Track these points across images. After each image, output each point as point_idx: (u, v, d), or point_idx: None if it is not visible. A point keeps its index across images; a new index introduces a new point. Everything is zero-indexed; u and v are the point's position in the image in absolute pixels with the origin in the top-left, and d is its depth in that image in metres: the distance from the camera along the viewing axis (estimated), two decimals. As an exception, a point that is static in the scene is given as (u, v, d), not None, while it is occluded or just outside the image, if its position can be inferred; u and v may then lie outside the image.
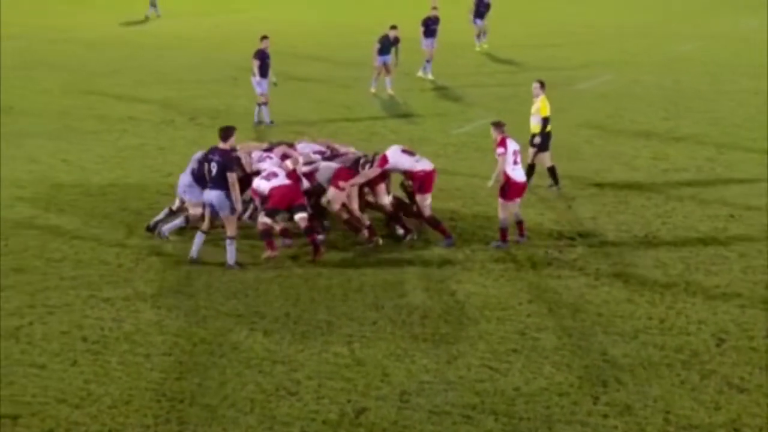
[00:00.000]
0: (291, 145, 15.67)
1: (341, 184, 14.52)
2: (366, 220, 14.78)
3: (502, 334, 11.73)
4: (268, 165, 14.74)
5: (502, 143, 14.45)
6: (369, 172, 14.68)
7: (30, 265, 13.55)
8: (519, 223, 14.92)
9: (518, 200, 14.80)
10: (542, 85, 17.70)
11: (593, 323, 12.07)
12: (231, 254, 13.66)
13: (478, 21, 33.66)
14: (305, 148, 15.74)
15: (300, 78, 27.68)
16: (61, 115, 23.16)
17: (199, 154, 14.66)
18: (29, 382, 10.20)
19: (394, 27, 25.87)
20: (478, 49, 33.41)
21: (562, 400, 10.19)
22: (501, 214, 14.56)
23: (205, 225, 13.90)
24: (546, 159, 17.64)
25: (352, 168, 14.87)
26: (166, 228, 14.61)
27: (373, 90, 26.18)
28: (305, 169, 14.95)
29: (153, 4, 41.28)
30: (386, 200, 15.05)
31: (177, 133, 21.79)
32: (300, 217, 14.12)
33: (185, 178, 14.63)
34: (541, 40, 36.12)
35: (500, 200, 14.53)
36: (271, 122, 22.43)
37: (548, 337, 11.65)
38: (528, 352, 11.29)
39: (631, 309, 12.53)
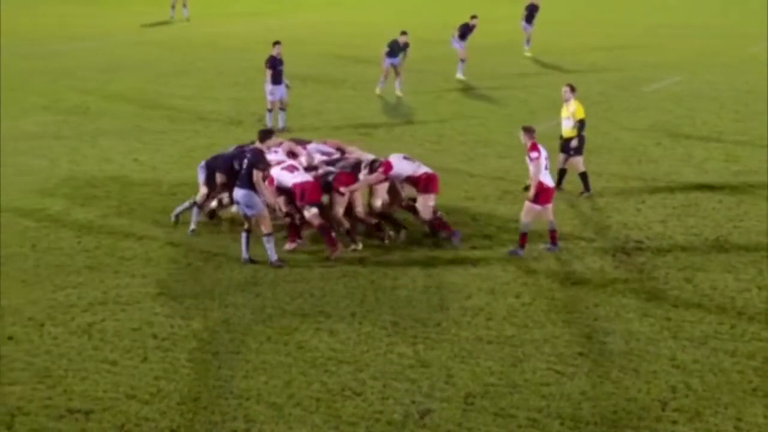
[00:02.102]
0: (302, 143, 15.78)
1: (342, 189, 14.56)
2: (372, 219, 14.80)
3: (568, 338, 11.63)
4: (277, 157, 14.86)
5: (535, 147, 14.27)
6: (372, 179, 14.70)
7: (102, 263, 13.84)
8: (552, 232, 14.61)
9: (549, 206, 14.49)
10: (572, 88, 17.44)
11: (662, 328, 11.89)
12: (270, 252, 13.75)
13: (528, 26, 33.29)
14: (315, 148, 15.76)
15: (367, 80, 27.79)
16: (133, 116, 23.60)
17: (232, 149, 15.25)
18: (101, 377, 10.42)
19: (404, 33, 26.28)
20: (526, 54, 33.10)
21: (629, 405, 10.06)
22: (524, 218, 14.30)
23: (247, 224, 14.03)
24: (579, 164, 17.29)
25: (352, 172, 14.83)
26: (175, 212, 15.23)
27: (378, 91, 26.25)
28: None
29: (183, 5, 41.54)
30: (379, 203, 14.96)
31: (246, 133, 22.00)
32: (313, 213, 14.19)
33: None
34: (611, 42, 35.72)
35: (528, 204, 14.27)
36: (284, 128, 22.07)
37: (615, 341, 11.52)
38: (595, 356, 11.17)
39: (701, 314, 12.31)
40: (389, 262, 14.06)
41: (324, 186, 14.64)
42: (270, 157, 14.72)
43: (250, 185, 13.66)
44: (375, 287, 13.16)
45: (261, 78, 28.61)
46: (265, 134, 14.38)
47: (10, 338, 11.28)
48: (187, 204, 15.37)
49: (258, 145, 14.17)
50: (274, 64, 22.19)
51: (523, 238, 14.32)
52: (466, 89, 27.76)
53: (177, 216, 15.38)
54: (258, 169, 13.68)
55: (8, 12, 43.35)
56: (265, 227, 13.79)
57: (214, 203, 15.55)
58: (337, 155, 15.74)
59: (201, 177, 15.24)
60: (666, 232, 15.48)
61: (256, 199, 13.71)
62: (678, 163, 19.63)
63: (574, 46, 34.40)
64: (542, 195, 14.28)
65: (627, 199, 17.20)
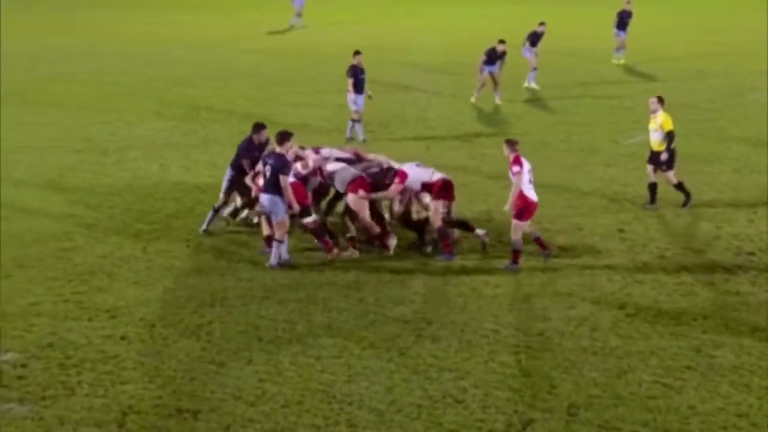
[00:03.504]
0: (316, 149, 15.70)
1: (361, 193, 14.50)
2: (377, 228, 14.65)
3: (675, 350, 11.38)
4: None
5: (517, 161, 13.92)
6: (391, 192, 14.61)
7: (209, 266, 14.16)
8: (537, 240, 14.34)
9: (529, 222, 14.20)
10: (660, 99, 16.90)
11: (774, 343, 11.53)
12: (275, 256, 13.85)
13: (621, 33, 32.67)
14: (329, 152, 15.64)
15: (468, 88, 27.77)
16: (242, 123, 24.01)
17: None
18: (209, 378, 10.67)
19: (502, 41, 26.11)
20: (614, 62, 32.48)
21: (740, 421, 9.78)
22: (515, 236, 13.98)
23: (268, 230, 14.14)
24: (671, 177, 16.76)
25: (378, 179, 14.72)
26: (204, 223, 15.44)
27: (473, 100, 26.02)
28: (327, 166, 15.03)
29: (299, 15, 42.22)
30: (397, 207, 14.83)
31: (347, 141, 22.25)
32: (308, 221, 14.23)
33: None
34: (719, 49, 34.82)
35: (515, 222, 13.95)
36: (364, 140, 22.00)
37: (725, 355, 11.21)
38: (704, 369, 10.90)
39: (816, 329, 11.89)
40: (491, 270, 14.00)
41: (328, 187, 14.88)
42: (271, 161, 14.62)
43: (275, 190, 13.75)
44: (477, 295, 13.13)
45: (365, 86, 28.92)
46: (282, 136, 14.21)
47: (122, 338, 11.65)
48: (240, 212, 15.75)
49: (278, 149, 14.07)
50: (356, 73, 22.28)
51: (516, 255, 13.98)
52: (570, 97, 27.44)
53: (246, 219, 15.72)
54: (283, 173, 13.73)
55: (129, 20, 44.96)
56: (279, 234, 13.89)
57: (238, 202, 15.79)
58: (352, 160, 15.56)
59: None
60: (779, 243, 15.01)
61: (281, 206, 13.80)
62: (792, 172, 19.01)
63: (682, 53, 33.64)
64: (527, 210, 13.98)
65: (738, 210, 16.73)
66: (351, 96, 22.27)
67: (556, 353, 11.32)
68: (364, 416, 9.91)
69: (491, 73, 25.99)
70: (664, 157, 16.61)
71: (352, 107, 22.34)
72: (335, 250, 14.35)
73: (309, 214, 14.33)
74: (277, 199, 13.81)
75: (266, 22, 43.87)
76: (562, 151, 21.32)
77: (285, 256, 14.04)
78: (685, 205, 16.74)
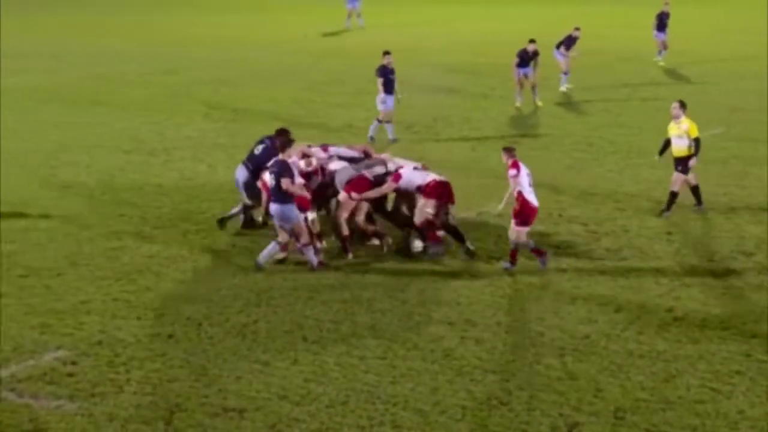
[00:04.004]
0: (324, 148, 15.64)
1: (354, 195, 14.46)
2: (347, 231, 14.58)
3: (724, 355, 11.23)
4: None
5: (515, 165, 13.90)
6: (384, 188, 14.64)
7: (253, 267, 14.24)
8: (532, 250, 14.11)
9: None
10: (682, 104, 16.50)
11: (826, 348, 11.34)
12: (311, 259, 13.85)
13: (660, 35, 32.28)
14: (336, 150, 15.61)
15: (507, 88, 27.70)
16: (286, 123, 24.04)
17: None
18: (254, 377, 10.75)
19: (532, 41, 25.84)
20: (660, 62, 32.11)
21: (789, 428, 9.64)
22: (513, 237, 13.89)
23: (281, 237, 14.01)
24: (690, 179, 16.38)
25: (381, 180, 14.70)
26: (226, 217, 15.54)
27: (518, 104, 25.80)
28: (329, 165, 14.98)
29: (357, 15, 42.43)
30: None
31: (393, 142, 22.28)
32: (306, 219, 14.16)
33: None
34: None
35: (516, 227, 13.83)
36: (394, 140, 22.02)
37: (775, 360, 11.05)
38: (753, 374, 10.74)
39: None
40: (535, 272, 13.94)
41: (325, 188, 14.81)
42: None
43: (282, 199, 13.71)
44: (521, 297, 13.07)
45: (410, 87, 28.95)
46: (285, 143, 14.08)
47: (170, 336, 11.79)
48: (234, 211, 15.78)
49: (280, 156, 14.04)
50: (386, 74, 22.25)
51: (514, 254, 13.91)
52: (617, 98, 27.21)
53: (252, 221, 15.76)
54: (285, 177, 13.67)
55: (177, 22, 45.47)
56: (304, 237, 13.86)
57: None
58: (360, 157, 15.53)
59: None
60: (831, 247, 14.74)
61: (290, 213, 13.74)
62: None
63: (730, 54, 33.19)
64: (528, 215, 13.88)
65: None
66: (381, 96, 22.31)
67: (602, 356, 11.24)
68: (409, 417, 9.91)
69: (526, 75, 25.79)
70: (692, 162, 16.20)
71: (381, 107, 22.37)
72: (319, 257, 14.20)
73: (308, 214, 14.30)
74: (285, 207, 13.75)
75: (315, 23, 44.09)
76: (608, 153, 21.15)
77: (314, 259, 13.97)
78: (699, 208, 16.39)
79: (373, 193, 14.75)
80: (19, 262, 14.27)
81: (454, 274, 13.88)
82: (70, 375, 10.71)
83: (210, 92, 28.48)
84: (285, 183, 13.64)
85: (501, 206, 14.04)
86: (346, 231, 14.60)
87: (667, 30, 32.16)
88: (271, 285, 13.46)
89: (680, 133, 16.38)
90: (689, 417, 9.86)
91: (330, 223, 15.02)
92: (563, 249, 14.92)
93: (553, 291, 13.25)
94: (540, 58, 25.95)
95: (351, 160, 15.39)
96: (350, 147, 16.33)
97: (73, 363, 11.00)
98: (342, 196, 14.70)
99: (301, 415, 9.95)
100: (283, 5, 52.26)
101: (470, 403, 10.18)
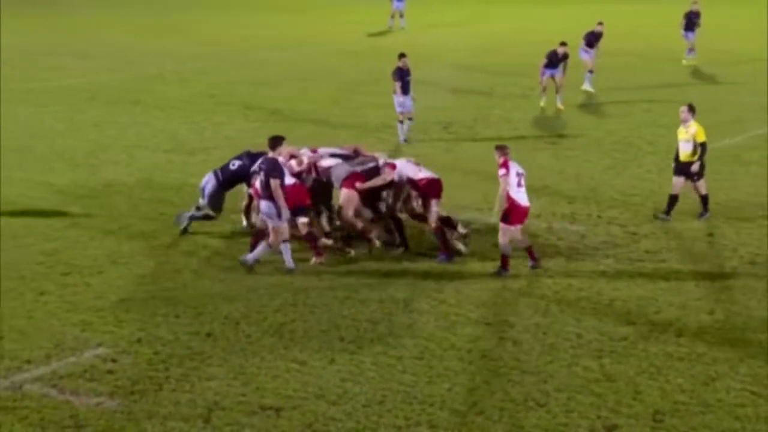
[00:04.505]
0: (313, 150, 15.48)
1: (358, 185, 14.46)
2: (360, 225, 14.58)
3: (765, 358, 11.09)
4: None
5: (504, 165, 13.79)
6: (379, 179, 14.64)
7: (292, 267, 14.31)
8: (528, 249, 14.04)
9: (520, 226, 13.97)
10: (691, 108, 16.23)
11: None
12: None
13: (690, 34, 31.86)
14: (326, 151, 15.50)
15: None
16: (325, 123, 24.33)
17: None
18: (291, 377, 10.79)
19: (563, 43, 25.59)
20: (684, 63, 31.76)
21: (832, 433, 9.49)
22: (502, 240, 13.76)
23: (280, 235, 13.95)
24: (702, 187, 16.06)
25: (373, 175, 14.68)
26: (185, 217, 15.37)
27: (542, 104, 25.58)
28: (322, 162, 14.90)
29: (401, 15, 42.47)
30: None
31: (430, 142, 22.28)
32: (302, 222, 14.12)
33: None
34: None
35: (502, 225, 13.75)
36: (405, 140, 22.02)
37: (818, 364, 10.88)
38: (795, 378, 10.61)
39: None
40: (574, 272, 13.85)
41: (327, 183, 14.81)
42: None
43: (271, 195, 13.68)
44: (559, 298, 13.00)
45: (448, 86, 28.95)
46: (274, 141, 14.06)
47: (208, 335, 11.88)
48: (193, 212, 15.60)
49: (270, 153, 14.02)
50: (402, 76, 22.24)
51: (505, 260, 13.78)
52: (658, 99, 26.95)
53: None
54: (273, 177, 13.66)
55: (214, 22, 45.81)
56: (273, 238, 13.80)
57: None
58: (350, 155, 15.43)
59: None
60: None
61: (275, 211, 13.73)
62: None
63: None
64: (515, 214, 13.76)
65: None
66: (398, 98, 22.27)
67: (640, 358, 11.15)
68: (446, 417, 9.90)
69: (553, 77, 25.55)
70: (695, 168, 15.91)
71: (398, 109, 22.34)
72: (322, 257, 14.21)
73: (304, 215, 14.26)
74: (272, 204, 13.74)
75: (351, 23, 44.18)
76: (648, 153, 20.97)
77: (290, 264, 13.89)
78: (702, 215, 16.06)
79: (376, 182, 14.72)
80: (60, 260, 14.45)
81: (492, 275, 13.82)
82: (110, 372, 10.83)
83: (248, 92, 28.66)
84: (273, 184, 13.64)
85: (496, 208, 13.97)
86: (360, 224, 14.64)
87: (697, 30, 31.74)
88: (308, 285, 13.51)
89: (688, 137, 16.08)
90: (729, 420, 9.75)
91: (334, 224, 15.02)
92: (602, 250, 14.82)
93: (591, 292, 13.16)
94: (569, 61, 25.74)
95: (343, 158, 15.28)
96: (340, 147, 16.15)
97: (113, 360, 11.12)
98: (344, 191, 14.68)
99: (338, 414, 9.97)
100: (322, 5, 52.43)
101: (507, 405, 10.14)
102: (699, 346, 11.43)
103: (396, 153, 21.06)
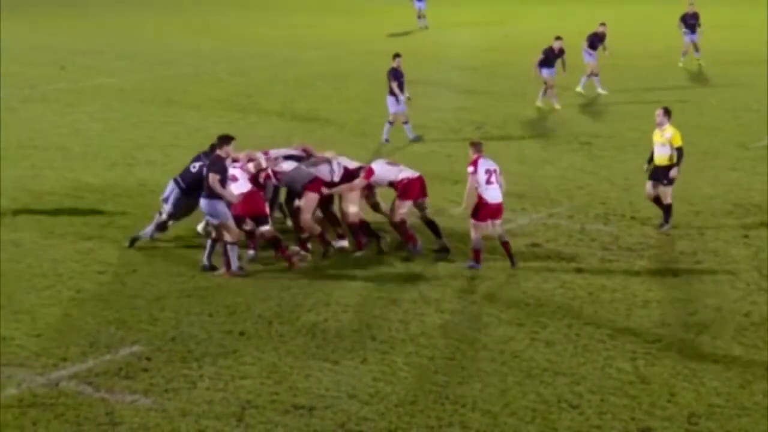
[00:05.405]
0: (265, 152, 15.10)
1: (324, 190, 14.33)
2: (318, 229, 14.43)
3: (802, 361, 10.96)
4: (233, 171, 14.28)
5: (474, 163, 13.89)
6: (355, 184, 14.45)
7: (323, 265, 14.33)
8: (504, 244, 14.04)
9: (498, 222, 13.99)
10: (666, 112, 15.86)
11: None
12: (233, 260, 13.63)
13: (691, 35, 31.46)
14: (277, 152, 15.18)
15: (589, 88, 27.37)
16: (359, 123, 24.36)
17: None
18: (324, 376, 10.82)
19: (558, 38, 25.20)
20: (680, 65, 31.47)
21: None
22: (473, 234, 13.89)
23: (214, 233, 13.90)
24: (668, 195, 15.57)
25: (343, 178, 14.55)
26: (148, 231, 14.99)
27: (538, 103, 25.33)
28: (277, 167, 14.64)
29: (422, 16, 42.51)
30: (352, 209, 14.54)
31: (463, 142, 22.18)
32: (265, 230, 13.95)
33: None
34: None
35: (472, 221, 13.86)
36: (417, 137, 22.03)
37: None
38: (832, 382, 10.46)
39: None
40: (608, 274, 13.77)
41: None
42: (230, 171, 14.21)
43: (212, 192, 13.57)
44: (593, 299, 12.93)
45: (482, 88, 28.89)
46: (222, 140, 13.90)
47: (241, 334, 11.94)
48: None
49: (217, 151, 13.90)
50: (398, 76, 22.21)
51: (476, 254, 13.92)
52: (693, 99, 26.71)
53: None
54: (213, 171, 13.53)
55: (249, 23, 46.06)
56: (231, 236, 13.68)
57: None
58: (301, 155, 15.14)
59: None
60: None
61: (219, 208, 13.62)
62: None
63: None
64: (482, 210, 13.83)
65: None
66: (391, 98, 22.23)
67: (675, 360, 11.06)
68: (478, 418, 9.88)
69: (550, 75, 25.17)
70: (673, 173, 15.51)
71: (391, 109, 22.28)
72: (294, 259, 14.09)
73: (266, 223, 14.08)
74: (214, 201, 13.64)
75: (382, 23, 44.22)
76: (685, 154, 20.75)
77: (234, 262, 13.71)
78: (661, 226, 15.60)
79: (345, 188, 14.58)
80: (96, 258, 14.60)
81: (525, 275, 13.78)
82: (145, 370, 10.92)
83: (282, 91, 28.78)
84: (212, 179, 13.53)
85: (463, 206, 14.06)
86: (318, 229, 14.46)
87: (699, 31, 31.30)
88: (340, 285, 13.54)
89: (664, 141, 15.70)
90: (765, 424, 9.65)
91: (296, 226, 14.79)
92: (636, 251, 14.72)
93: (625, 293, 13.08)
94: (566, 57, 25.41)
95: (296, 159, 14.98)
96: (288, 147, 15.78)
97: (148, 358, 11.22)
98: (308, 194, 14.45)
99: (370, 414, 9.99)
100: (351, 6, 52.52)
101: (540, 406, 10.11)
102: (735, 349, 11.32)
103: (429, 154, 21.04)
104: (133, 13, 51.63)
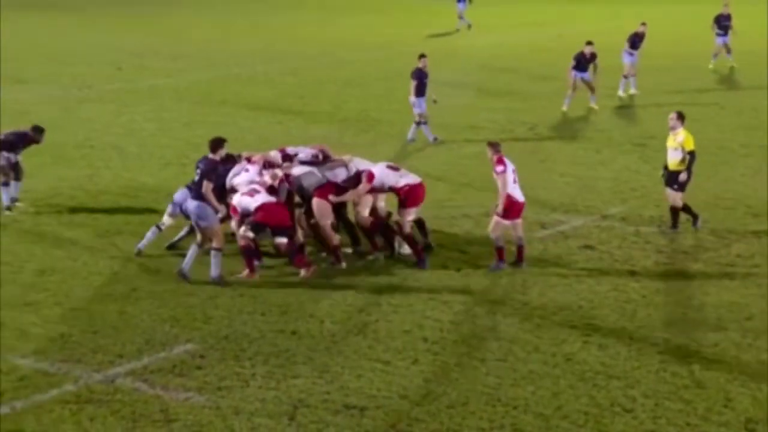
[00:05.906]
0: (282, 150, 14.98)
1: (331, 197, 14.10)
2: (337, 239, 14.16)
3: None
4: (246, 178, 14.13)
5: (500, 161, 13.67)
6: (359, 190, 14.20)
7: (375, 265, 14.35)
8: (519, 248, 13.89)
9: (518, 222, 13.87)
10: (680, 116, 15.67)
11: None
12: (215, 266, 13.41)
13: (722, 37, 31.02)
14: (295, 150, 15.04)
15: (646, 90, 27.06)
16: (409, 124, 24.33)
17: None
18: (375, 376, 10.84)
19: (589, 43, 24.97)
20: (710, 66, 30.98)
21: None
22: (493, 233, 13.78)
23: (199, 237, 13.64)
24: (678, 199, 15.37)
25: (347, 184, 14.29)
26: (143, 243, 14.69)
27: (564, 108, 24.95)
28: (292, 170, 14.41)
29: (462, 17, 42.50)
30: (366, 212, 14.34)
31: (515, 143, 22.11)
32: (280, 241, 13.74)
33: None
34: None
35: (496, 218, 13.69)
36: (435, 139, 21.97)
37: None
38: None
39: None
40: (663, 277, 13.61)
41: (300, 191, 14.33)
42: (238, 179, 14.15)
43: (201, 196, 13.40)
44: (647, 302, 12.79)
45: (532, 89, 28.72)
46: (215, 143, 13.75)
47: (293, 333, 12.01)
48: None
49: (210, 155, 13.73)
50: (420, 77, 22.11)
51: (500, 252, 13.82)
52: (754, 100, 26.27)
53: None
54: (208, 180, 13.39)
55: (300, 23, 46.32)
56: (216, 241, 13.49)
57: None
58: (321, 158, 14.92)
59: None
60: None
61: (209, 211, 13.46)
62: None
63: None
64: (511, 210, 13.72)
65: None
66: (412, 99, 22.16)
67: (732, 365, 10.89)
68: (530, 421, 9.83)
69: (583, 79, 25.01)
70: (683, 177, 15.29)
71: (416, 110, 22.20)
72: (312, 268, 13.85)
73: (284, 235, 13.75)
74: (203, 204, 13.48)
75: (432, 24, 44.17)
76: (741, 156, 20.48)
77: (217, 269, 13.45)
78: (673, 226, 15.42)
79: (350, 195, 14.40)
80: (152, 257, 14.77)
81: (577, 277, 13.68)
82: (199, 368, 11.03)
83: (334, 92, 28.89)
84: (205, 186, 13.41)
85: (500, 207, 13.83)
86: (337, 239, 14.20)
87: (730, 33, 30.90)
88: (391, 285, 13.55)
89: (676, 145, 15.56)
90: (825, 432, 9.47)
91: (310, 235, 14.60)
92: (691, 254, 14.53)
93: (680, 297, 12.92)
94: (598, 61, 25.15)
95: (311, 163, 14.82)
96: (308, 146, 15.60)
97: (202, 356, 11.33)
98: (315, 202, 14.23)
99: (421, 414, 9.98)
100: (399, 7, 52.54)
101: (593, 409, 10.02)
102: (793, 354, 11.13)
103: (478, 155, 20.95)
104: (189, 12, 52.23)
